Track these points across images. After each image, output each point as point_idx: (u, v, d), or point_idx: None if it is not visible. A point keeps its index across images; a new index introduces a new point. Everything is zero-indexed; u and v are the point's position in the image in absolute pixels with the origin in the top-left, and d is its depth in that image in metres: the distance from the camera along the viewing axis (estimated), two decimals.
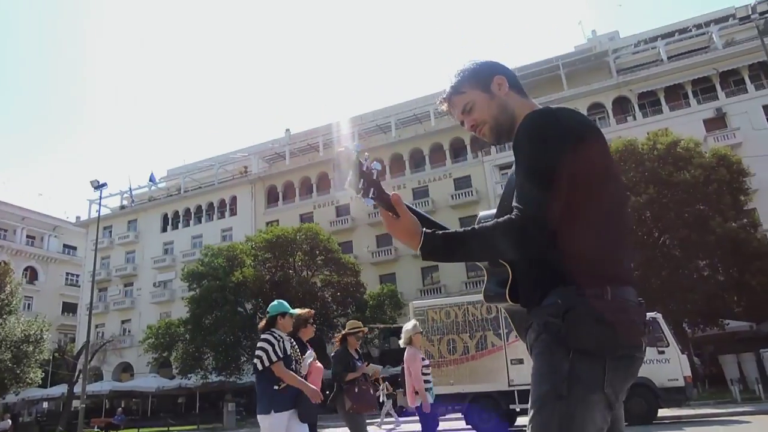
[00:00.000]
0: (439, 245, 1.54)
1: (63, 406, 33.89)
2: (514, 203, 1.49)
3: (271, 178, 44.62)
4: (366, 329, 7.40)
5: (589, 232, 1.51)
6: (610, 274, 1.51)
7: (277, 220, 39.47)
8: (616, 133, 31.98)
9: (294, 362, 4.56)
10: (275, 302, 4.74)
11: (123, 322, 44.94)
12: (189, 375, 28.14)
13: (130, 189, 49.00)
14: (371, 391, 5.96)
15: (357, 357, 5.99)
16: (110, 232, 47.84)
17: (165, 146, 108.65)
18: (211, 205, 45.99)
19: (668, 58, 35.69)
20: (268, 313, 4.63)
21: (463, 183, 38.17)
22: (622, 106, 36.02)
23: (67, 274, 54.24)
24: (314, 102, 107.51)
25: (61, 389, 34.11)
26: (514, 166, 1.65)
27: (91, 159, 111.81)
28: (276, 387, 4.31)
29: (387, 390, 19.31)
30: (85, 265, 46.99)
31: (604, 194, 1.55)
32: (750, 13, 16.03)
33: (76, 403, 33.61)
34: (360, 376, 5.78)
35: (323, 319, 28.39)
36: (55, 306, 50.69)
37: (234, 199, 45.21)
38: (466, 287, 34.88)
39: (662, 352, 13.26)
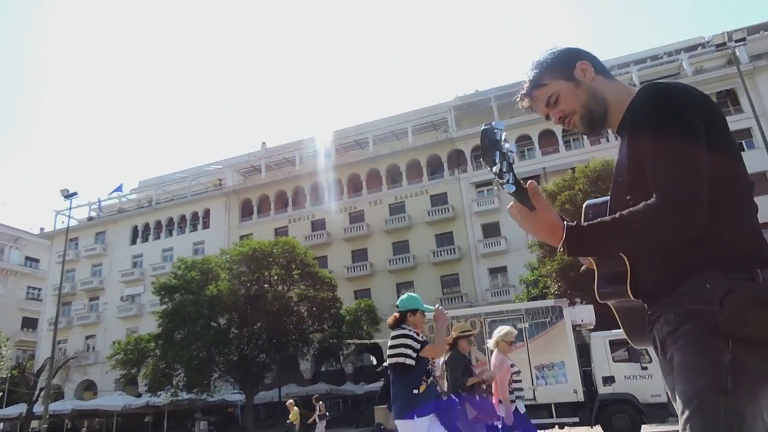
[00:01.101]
0: (587, 238, 1.39)
1: (21, 427, 32.27)
2: (656, 183, 1.36)
3: (246, 191, 44.06)
4: (475, 332, 7.06)
5: (731, 210, 1.40)
6: (757, 255, 1.38)
7: (252, 234, 38.85)
8: (590, 154, 32.73)
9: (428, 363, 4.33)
10: (406, 296, 4.38)
11: (87, 337, 43.35)
12: (158, 393, 27.15)
13: (99, 200, 47.74)
14: (491, 399, 5.67)
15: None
16: (76, 244, 46.27)
17: (138, 158, 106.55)
18: (183, 217, 45.08)
19: (640, 83, 36.65)
20: (397, 307, 4.30)
21: (439, 200, 38.36)
22: None
23: (29, 287, 52.19)
24: (291, 116, 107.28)
25: (19, 409, 32.48)
26: (624, 148, 1.53)
27: (58, 169, 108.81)
28: (416, 391, 4.03)
29: (320, 410, 18.04)
30: (48, 279, 45.31)
31: (739, 169, 1.45)
32: (726, 40, 16.59)
33: (34, 423, 32.09)
34: (479, 382, 5.49)
35: (299, 335, 27.88)
36: (14, 321, 48.61)
37: (207, 211, 44.42)
38: (442, 303, 34.82)
39: (645, 368, 13.38)
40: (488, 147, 1.36)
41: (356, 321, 27.70)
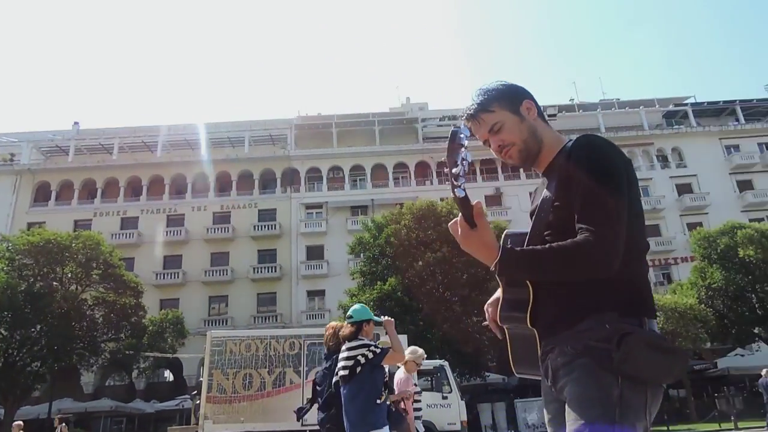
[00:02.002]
0: (518, 262, 1.48)
1: None
2: (584, 224, 1.48)
3: (45, 173, 38.45)
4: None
5: (634, 262, 1.55)
6: (646, 305, 1.57)
7: (44, 222, 33.66)
8: (415, 193, 35.04)
9: None
10: (359, 307, 4.37)
11: None
12: None
13: None
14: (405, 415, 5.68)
15: None
16: None
17: None
18: None
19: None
20: (350, 317, 4.26)
21: (267, 215, 37.68)
22: (423, 170, 39.73)
23: None
24: (115, 98, 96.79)
25: None
26: (553, 188, 1.64)
27: None
28: (378, 401, 3.99)
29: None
30: None
31: (642, 229, 1.63)
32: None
33: None
34: (398, 399, 5.51)
35: (88, 342, 24.61)
36: None
37: None
38: (255, 321, 33.91)
39: (445, 398, 14.42)
40: (455, 147, 1.39)
41: (160, 332, 25.42)
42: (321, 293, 35.18)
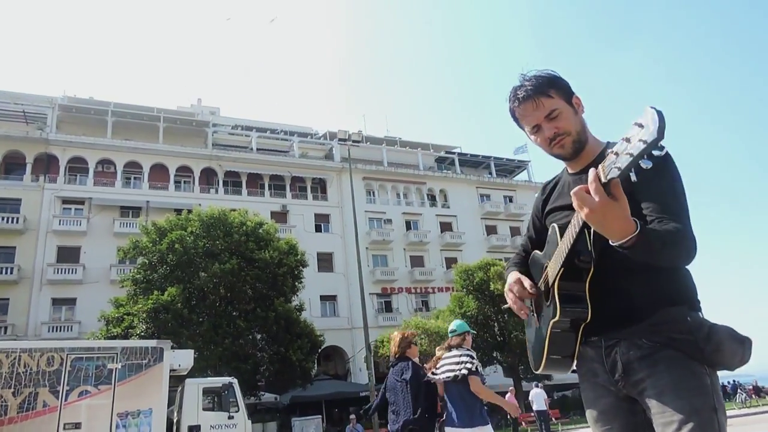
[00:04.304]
0: (648, 239, 1.39)
1: None
2: (669, 217, 1.50)
3: None
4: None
5: None
6: (698, 299, 1.66)
7: None
8: (198, 200, 32.92)
9: None
10: (459, 321, 5.07)
11: None
12: None
13: None
14: None
15: None
16: None
17: None
18: None
19: (257, 149, 39.91)
20: (454, 330, 4.91)
21: (8, 206, 31.15)
22: (208, 177, 37.52)
23: None
24: None
25: None
26: (639, 178, 1.55)
27: None
28: (482, 400, 4.59)
29: None
30: None
31: None
32: (328, 138, 19.96)
33: None
34: None
35: None
36: None
37: None
38: (50, 331, 28.13)
39: (231, 418, 13.51)
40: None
41: None
42: (71, 302, 30.16)
